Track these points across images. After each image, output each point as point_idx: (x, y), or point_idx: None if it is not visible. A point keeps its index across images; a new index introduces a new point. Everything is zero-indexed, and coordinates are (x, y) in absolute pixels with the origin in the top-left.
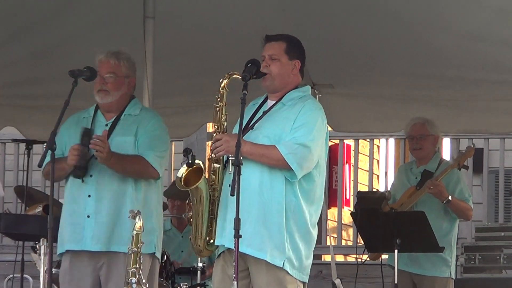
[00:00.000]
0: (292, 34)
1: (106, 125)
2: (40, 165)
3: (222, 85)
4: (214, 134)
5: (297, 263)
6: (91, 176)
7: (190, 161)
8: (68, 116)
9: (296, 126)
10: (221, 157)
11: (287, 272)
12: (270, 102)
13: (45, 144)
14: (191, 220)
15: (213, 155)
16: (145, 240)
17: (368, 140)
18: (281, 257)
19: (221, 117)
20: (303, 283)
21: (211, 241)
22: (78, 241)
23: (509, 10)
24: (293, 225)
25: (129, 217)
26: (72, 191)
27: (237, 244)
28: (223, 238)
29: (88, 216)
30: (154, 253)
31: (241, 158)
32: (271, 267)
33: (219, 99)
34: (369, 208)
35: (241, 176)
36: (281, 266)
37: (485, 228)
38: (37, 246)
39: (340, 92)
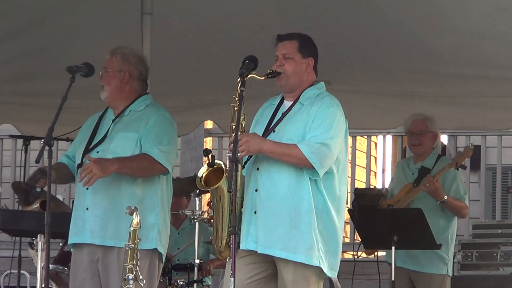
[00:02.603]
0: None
1: (113, 120)
2: (37, 161)
3: (240, 84)
4: (233, 134)
5: (328, 261)
6: None
7: (210, 162)
8: (67, 113)
9: (316, 124)
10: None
11: (321, 270)
12: (287, 103)
13: (43, 140)
14: (212, 221)
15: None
16: (145, 235)
17: (366, 136)
18: (316, 255)
19: (240, 117)
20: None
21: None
22: (80, 234)
23: (506, 8)
24: (321, 223)
25: (126, 213)
26: (77, 185)
27: (234, 241)
28: (248, 242)
29: (87, 209)
30: (156, 248)
31: (239, 154)
32: (304, 267)
33: (236, 98)
34: (367, 205)
35: (269, 180)
36: (318, 265)
37: (482, 225)
38: (34, 242)
39: (338, 89)
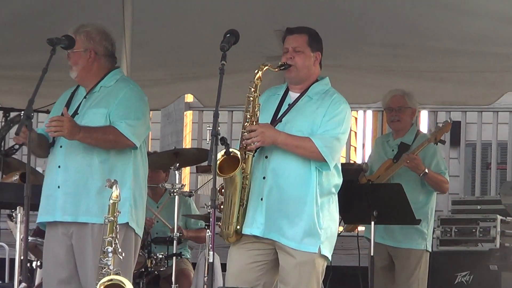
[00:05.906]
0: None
1: (84, 97)
2: (17, 133)
3: (257, 76)
4: (246, 124)
5: (329, 245)
6: (60, 147)
7: (226, 150)
8: (47, 86)
9: (327, 119)
10: None
11: (322, 255)
12: (293, 94)
13: (23, 112)
14: (222, 206)
15: (244, 144)
16: None
17: None
18: (316, 242)
19: (255, 107)
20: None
21: (238, 227)
22: (51, 213)
23: None
24: (326, 209)
25: (106, 186)
26: (48, 162)
27: (213, 214)
28: (253, 228)
29: (59, 187)
30: (128, 222)
31: (219, 128)
32: (305, 253)
33: (253, 89)
34: (346, 180)
35: (277, 169)
36: (317, 252)
37: (462, 201)
38: (14, 214)
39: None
